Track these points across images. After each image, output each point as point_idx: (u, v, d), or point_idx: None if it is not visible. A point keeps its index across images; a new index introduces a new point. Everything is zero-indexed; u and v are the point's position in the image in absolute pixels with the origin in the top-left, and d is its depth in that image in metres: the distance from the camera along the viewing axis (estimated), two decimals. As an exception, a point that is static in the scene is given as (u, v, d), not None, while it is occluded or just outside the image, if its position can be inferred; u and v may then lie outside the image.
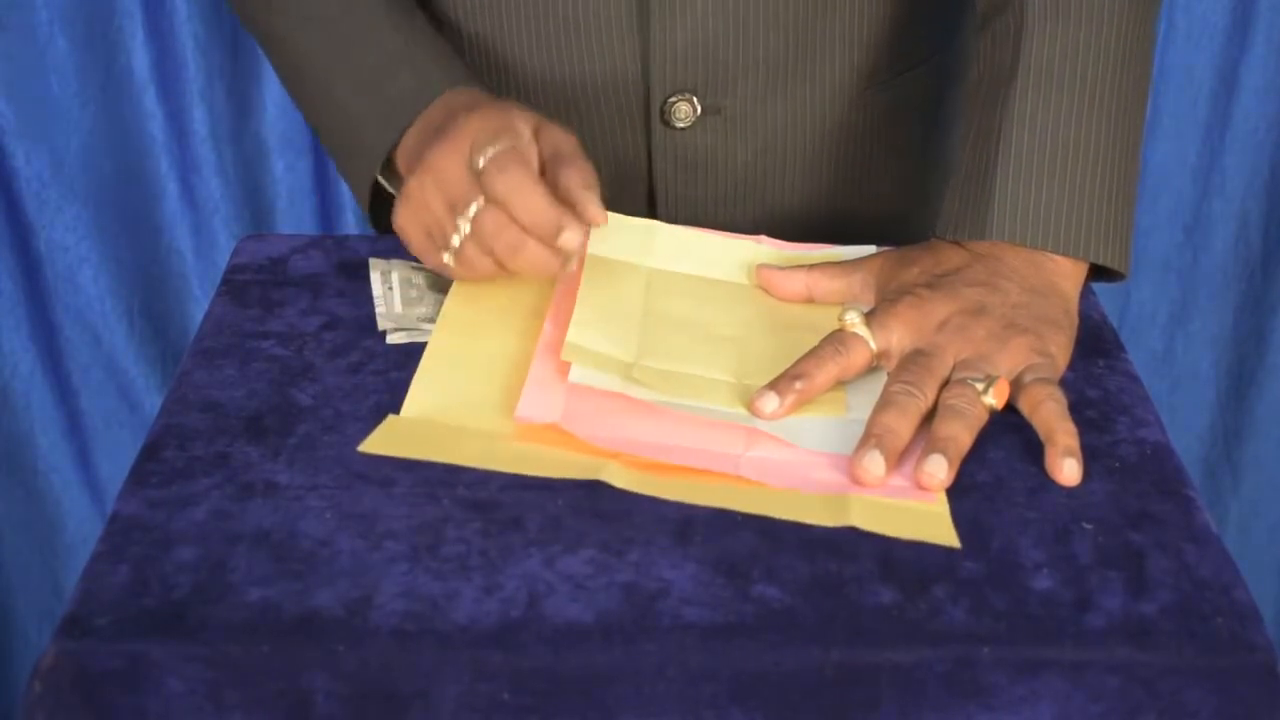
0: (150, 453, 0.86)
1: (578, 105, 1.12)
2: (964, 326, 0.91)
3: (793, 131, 1.14)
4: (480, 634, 0.74)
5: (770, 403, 0.89)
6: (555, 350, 0.92)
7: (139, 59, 1.63)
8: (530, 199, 0.90)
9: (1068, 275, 0.96)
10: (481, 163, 0.91)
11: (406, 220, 0.96)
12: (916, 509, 0.83)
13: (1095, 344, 0.97)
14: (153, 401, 1.75)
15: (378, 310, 0.98)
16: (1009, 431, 0.88)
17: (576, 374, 0.89)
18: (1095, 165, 0.97)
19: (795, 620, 0.75)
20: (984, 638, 0.74)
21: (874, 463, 0.84)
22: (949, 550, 0.79)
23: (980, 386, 0.88)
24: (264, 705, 0.73)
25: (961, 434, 0.86)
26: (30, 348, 1.74)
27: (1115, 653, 0.74)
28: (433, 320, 0.97)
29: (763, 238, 1.04)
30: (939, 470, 0.84)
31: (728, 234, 1.04)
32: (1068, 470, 0.85)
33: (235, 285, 1.02)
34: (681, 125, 1.11)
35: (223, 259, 1.07)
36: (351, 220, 1.69)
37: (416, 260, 0.99)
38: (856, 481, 0.84)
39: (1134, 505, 0.83)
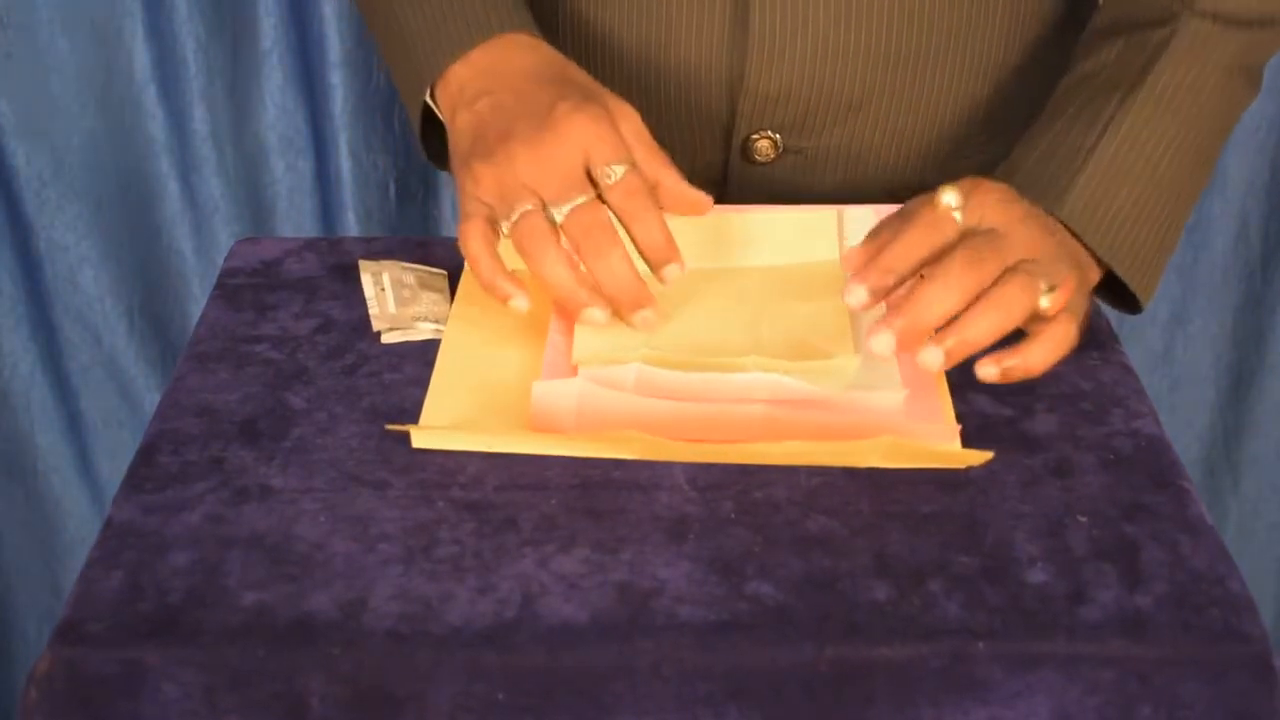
0: (145, 457, 0.86)
1: (660, 120, 1.10)
2: (1038, 237, 0.90)
3: (873, 176, 1.13)
4: (475, 635, 0.74)
5: (858, 296, 0.87)
6: (564, 354, 0.92)
7: (139, 59, 1.63)
8: (654, 228, 0.91)
9: (1094, 273, 0.97)
10: (610, 179, 0.91)
11: (486, 174, 0.93)
12: (933, 450, 0.84)
13: (1090, 336, 0.97)
14: (152, 401, 1.75)
15: (371, 312, 0.98)
16: (1001, 425, 0.88)
17: (588, 372, 0.89)
18: (1168, 195, 0.98)
19: (790, 617, 0.75)
20: (979, 632, 0.74)
21: (883, 343, 0.84)
22: (943, 545, 0.79)
23: (1044, 285, 0.86)
24: (259, 708, 0.73)
25: (986, 334, 0.85)
26: (30, 348, 1.74)
27: (1110, 645, 0.74)
28: (427, 319, 0.97)
29: (735, 206, 1.04)
30: (934, 362, 0.84)
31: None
32: (984, 374, 0.85)
33: (229, 289, 1.02)
34: (761, 161, 1.11)
35: (223, 259, 1.07)
36: (352, 220, 1.69)
37: (408, 262, 0.99)
38: (868, 348, 0.85)
39: (1128, 497, 0.83)
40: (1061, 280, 0.87)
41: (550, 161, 0.91)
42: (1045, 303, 0.86)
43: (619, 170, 0.91)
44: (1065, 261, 0.91)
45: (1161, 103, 0.98)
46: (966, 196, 0.89)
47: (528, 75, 0.96)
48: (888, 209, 0.97)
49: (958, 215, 0.88)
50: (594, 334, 0.93)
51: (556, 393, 0.87)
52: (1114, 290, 1.00)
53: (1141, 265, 0.97)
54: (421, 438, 0.86)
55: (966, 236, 0.88)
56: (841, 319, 0.95)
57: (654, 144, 0.94)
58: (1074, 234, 0.95)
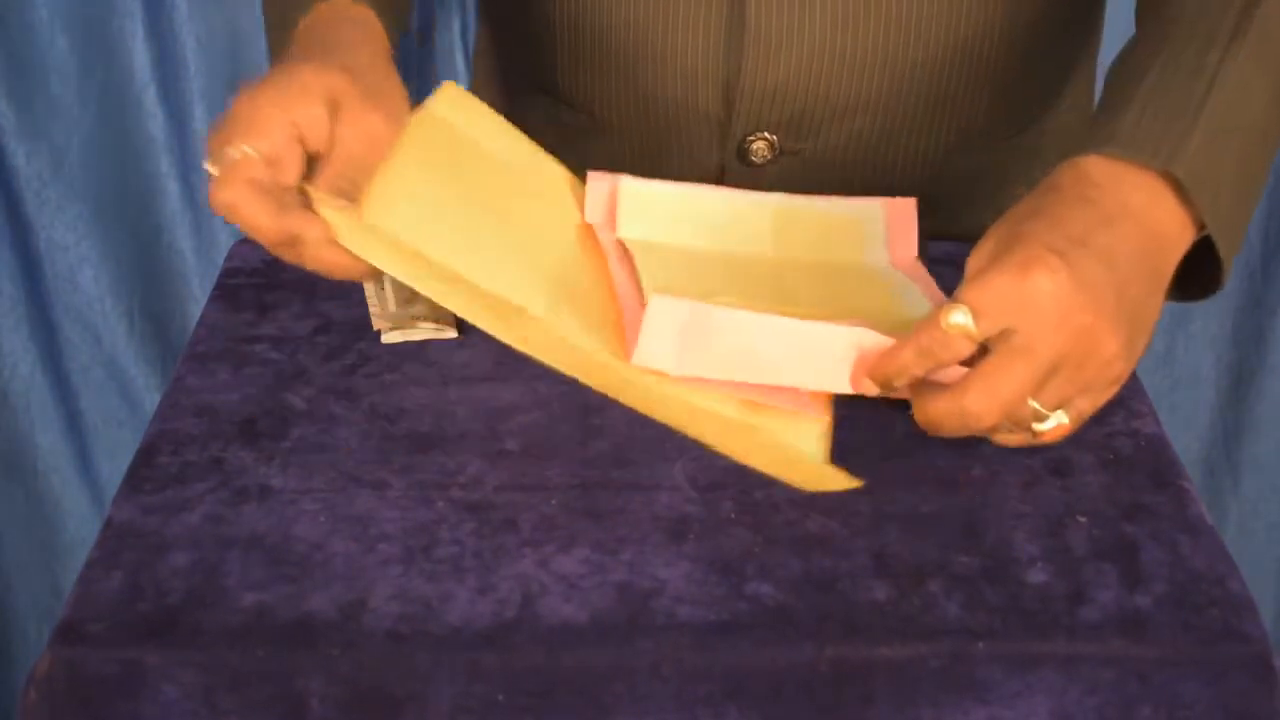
0: (144, 458, 0.86)
1: (656, 126, 1.11)
2: (1079, 328, 0.78)
3: (868, 176, 1.12)
4: (474, 635, 0.74)
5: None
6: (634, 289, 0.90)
7: (139, 59, 1.62)
8: (251, 223, 0.82)
9: (1178, 252, 0.85)
10: (232, 155, 0.83)
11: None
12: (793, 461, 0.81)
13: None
14: (153, 401, 1.75)
15: (371, 310, 0.98)
16: (1002, 425, 0.88)
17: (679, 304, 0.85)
18: (1260, 157, 0.89)
19: (789, 617, 0.75)
20: (979, 632, 0.74)
21: (868, 387, 0.82)
22: (943, 545, 0.79)
23: (1046, 425, 0.80)
24: (259, 709, 0.73)
25: (947, 428, 0.80)
26: (30, 348, 1.74)
27: (1110, 645, 0.74)
28: (427, 319, 0.97)
29: (766, 194, 1.02)
30: (869, 389, 0.82)
31: (735, 192, 1.01)
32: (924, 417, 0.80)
33: (229, 289, 1.02)
34: (757, 162, 1.10)
35: (223, 259, 1.07)
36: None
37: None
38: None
39: (1128, 497, 0.83)
40: (1083, 394, 0.80)
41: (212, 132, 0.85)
42: (1039, 428, 0.80)
43: (236, 152, 0.82)
44: (1108, 368, 0.80)
45: (1264, 56, 0.89)
46: (993, 301, 0.78)
47: (297, 52, 0.91)
48: (902, 203, 1.00)
49: (972, 330, 0.78)
50: (664, 281, 0.91)
51: (669, 312, 0.83)
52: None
53: (1232, 237, 0.87)
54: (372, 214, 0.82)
55: (983, 359, 0.79)
56: (893, 309, 0.95)
57: (348, 157, 0.86)
58: (1180, 200, 0.84)
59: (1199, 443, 1.85)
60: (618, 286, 0.91)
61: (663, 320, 0.83)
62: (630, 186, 0.99)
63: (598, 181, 1.00)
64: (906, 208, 1.02)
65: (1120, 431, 0.89)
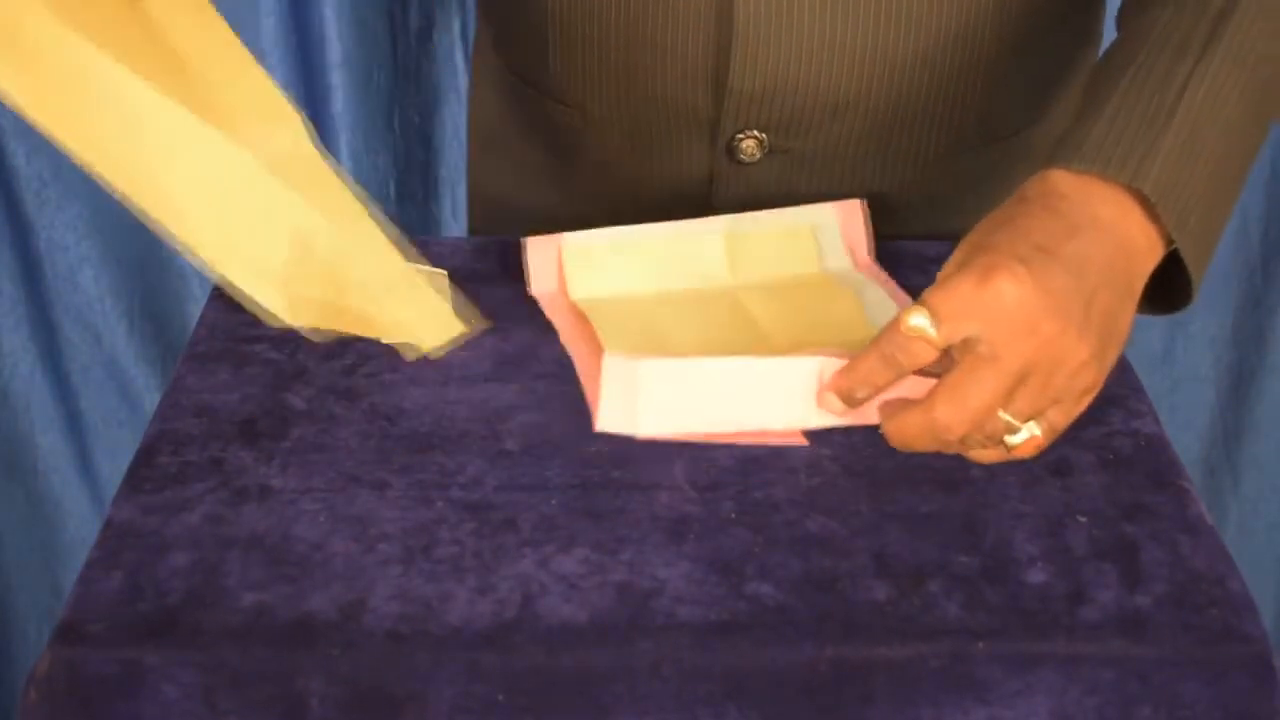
0: (144, 458, 0.86)
1: (646, 123, 1.10)
2: (1058, 347, 0.79)
3: (861, 177, 1.11)
4: (474, 635, 0.74)
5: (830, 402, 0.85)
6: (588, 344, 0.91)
7: (138, 58, 1.62)
8: None
9: (1148, 265, 0.85)
10: None
11: None
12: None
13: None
14: (153, 401, 1.75)
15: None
16: (1002, 425, 0.88)
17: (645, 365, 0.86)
18: (1232, 171, 0.87)
19: (789, 617, 0.75)
20: (979, 632, 0.74)
21: (832, 403, 0.84)
22: (943, 545, 0.79)
23: (1018, 438, 0.81)
24: (259, 709, 0.73)
25: (918, 443, 0.81)
26: (30, 348, 1.74)
27: (1110, 645, 0.74)
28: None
29: (713, 219, 1.02)
30: (833, 405, 0.84)
31: (681, 225, 1.02)
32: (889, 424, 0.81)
33: (229, 288, 1.02)
34: (746, 160, 1.09)
35: (222, 258, 1.07)
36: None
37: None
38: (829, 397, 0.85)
39: (1128, 497, 0.83)
40: (1054, 405, 0.81)
41: None
42: (1009, 442, 0.81)
43: None
44: (1078, 379, 0.80)
45: (1239, 63, 0.87)
46: (954, 305, 0.79)
47: None
48: (849, 205, 1.01)
49: (932, 334, 0.79)
50: (621, 338, 0.92)
51: (624, 371, 0.85)
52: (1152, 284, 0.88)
53: (1201, 254, 0.85)
54: None
55: (947, 373, 0.80)
56: (856, 313, 0.95)
57: None
58: (1149, 214, 0.83)
59: (1199, 443, 1.85)
60: (577, 361, 0.93)
61: (618, 381, 0.85)
62: (574, 245, 0.99)
63: (539, 247, 1.00)
64: (855, 209, 1.03)
65: (1120, 431, 0.89)
